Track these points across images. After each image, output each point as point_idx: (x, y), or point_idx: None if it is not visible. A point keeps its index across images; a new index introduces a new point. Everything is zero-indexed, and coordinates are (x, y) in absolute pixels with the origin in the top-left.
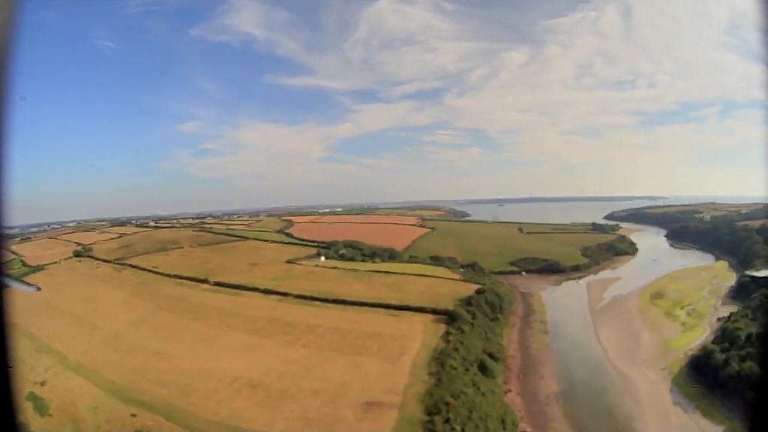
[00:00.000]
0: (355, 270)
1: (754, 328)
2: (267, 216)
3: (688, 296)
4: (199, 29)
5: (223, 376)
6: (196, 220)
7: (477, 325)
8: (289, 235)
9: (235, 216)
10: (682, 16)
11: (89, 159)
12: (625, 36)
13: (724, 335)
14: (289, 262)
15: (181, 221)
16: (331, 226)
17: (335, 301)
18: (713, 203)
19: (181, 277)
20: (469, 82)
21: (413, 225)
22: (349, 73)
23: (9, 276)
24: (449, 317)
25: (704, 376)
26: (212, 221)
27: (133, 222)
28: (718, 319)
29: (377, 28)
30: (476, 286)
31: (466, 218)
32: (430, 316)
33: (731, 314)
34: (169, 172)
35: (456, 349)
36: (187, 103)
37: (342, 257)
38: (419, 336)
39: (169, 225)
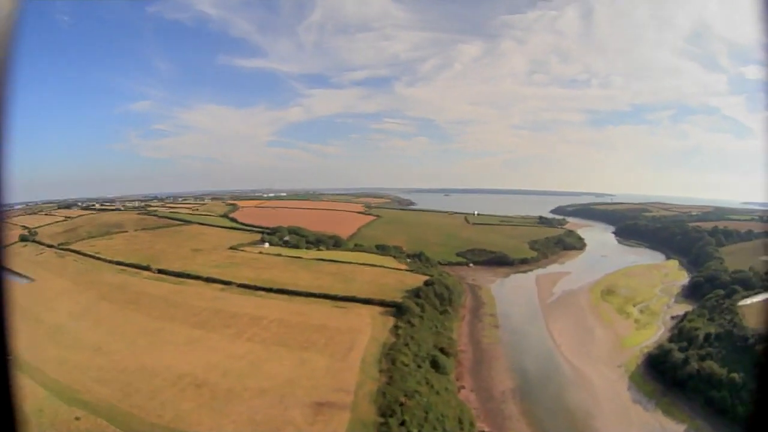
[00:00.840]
0: (300, 257)
1: (713, 329)
2: (212, 199)
3: (641, 293)
4: (157, 5)
5: (167, 374)
6: (142, 203)
7: (426, 318)
8: (234, 220)
9: (180, 199)
10: (644, 21)
11: (38, 137)
12: (583, 36)
13: (681, 334)
14: (232, 248)
15: (127, 204)
16: (276, 211)
17: (280, 291)
18: (662, 203)
19: (123, 264)
20: (421, 72)
21: (358, 212)
22: (301, 56)
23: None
24: (398, 310)
25: (662, 375)
26: (157, 204)
27: (80, 204)
28: (672, 318)
29: (333, 12)
30: (424, 277)
31: (412, 206)
32: (378, 308)
33: (686, 313)
34: (119, 153)
35: (407, 344)
36: (140, 82)
37: (286, 244)
38: (368, 329)
39: (114, 208)
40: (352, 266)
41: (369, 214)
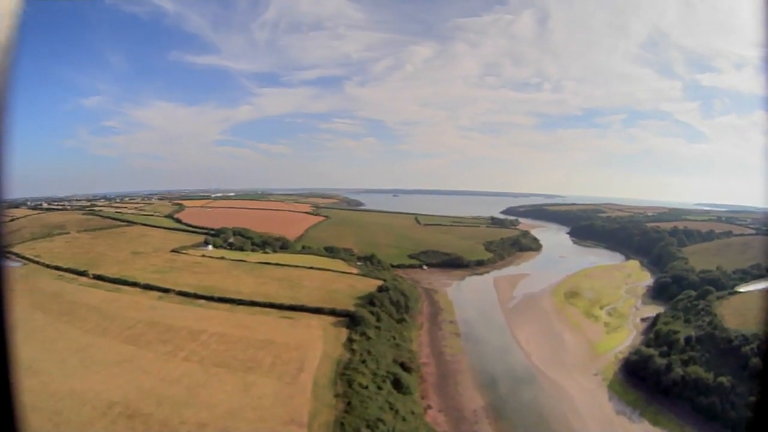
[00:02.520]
0: (244, 261)
1: (692, 331)
2: (159, 199)
3: (606, 295)
4: None
5: (97, 402)
6: (89, 203)
7: (383, 328)
8: (178, 221)
9: (128, 198)
10: (599, 27)
11: None
12: (537, 41)
13: (659, 338)
14: (173, 251)
15: (74, 203)
16: (222, 211)
17: (222, 300)
18: (615, 204)
19: (60, 269)
20: (372, 72)
21: (306, 213)
22: (254, 54)
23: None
24: (351, 320)
25: (644, 382)
26: (104, 204)
27: (28, 203)
28: (642, 320)
29: (288, 9)
30: (376, 282)
31: (361, 207)
32: (329, 318)
33: (658, 315)
34: (70, 150)
35: (363, 361)
36: (92, 77)
37: (231, 246)
38: (319, 344)
39: (61, 207)
40: (299, 270)
41: (317, 215)
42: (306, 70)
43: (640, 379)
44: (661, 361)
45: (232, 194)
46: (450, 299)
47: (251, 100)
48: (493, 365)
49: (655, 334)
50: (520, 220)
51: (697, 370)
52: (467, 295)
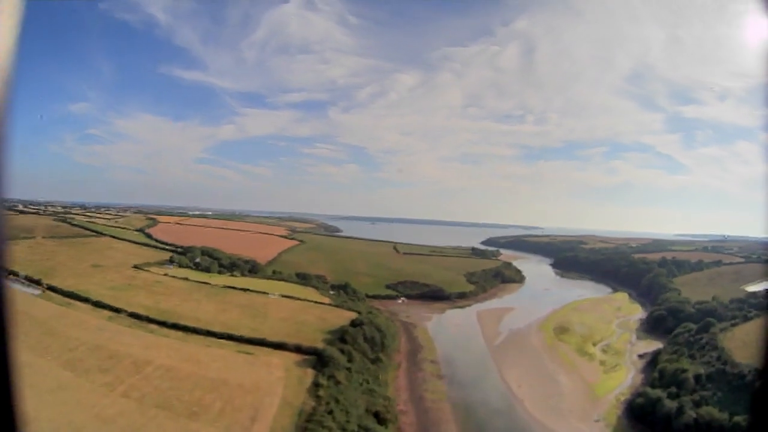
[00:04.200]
0: (208, 283)
1: (700, 368)
2: (135, 212)
3: (598, 330)
4: (108, 3)
5: None
6: (63, 210)
7: (355, 369)
8: (149, 236)
9: (103, 209)
10: (585, 60)
11: None
12: (522, 72)
13: (664, 377)
14: (136, 267)
15: (49, 208)
16: (195, 229)
17: (175, 327)
18: (596, 236)
19: (16, 274)
20: (356, 99)
21: (281, 236)
22: (240, 73)
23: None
24: (318, 359)
25: (652, 427)
26: (78, 212)
27: (3, 204)
28: (640, 356)
29: (277, 31)
30: (349, 314)
31: (339, 233)
32: (294, 356)
33: (658, 352)
34: (54, 155)
35: (330, 412)
36: (80, 82)
37: (197, 266)
38: (278, 388)
39: (35, 211)
40: (266, 297)
41: (292, 239)
42: (291, 93)
43: (647, 424)
44: (671, 404)
45: (210, 213)
46: (430, 335)
47: (235, 119)
48: (482, 413)
49: (659, 373)
50: (501, 251)
51: (710, 411)
52: (449, 331)
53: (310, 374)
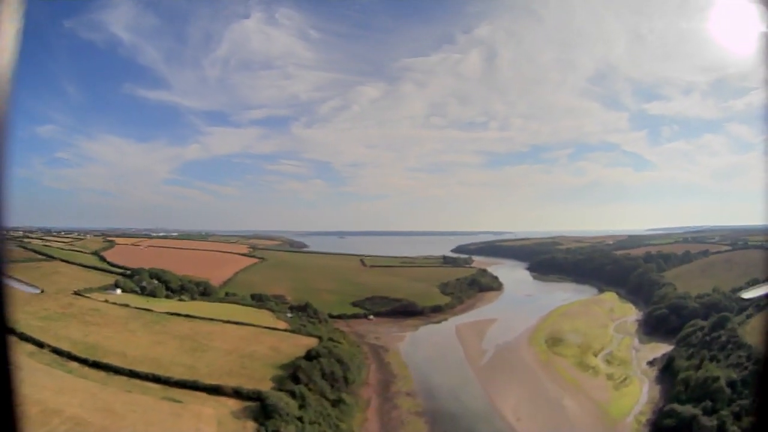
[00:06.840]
0: (150, 310)
1: (732, 373)
2: (95, 236)
3: (595, 338)
4: (73, 21)
5: None
6: (22, 234)
7: (309, 419)
8: (102, 258)
9: (63, 233)
10: (547, 63)
11: None
12: (485, 79)
13: (689, 388)
14: (77, 293)
15: (11, 234)
16: (153, 250)
17: (96, 365)
18: (570, 236)
19: None
20: (319, 113)
21: (242, 254)
22: (204, 91)
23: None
24: (261, 406)
25: None
26: (36, 236)
27: None
28: (649, 364)
29: (239, 47)
30: (308, 341)
31: (303, 249)
32: (231, 403)
33: (671, 356)
34: (21, 179)
35: None
36: (47, 104)
37: (143, 290)
38: None
39: None
40: (212, 325)
41: (252, 257)
42: (254, 110)
43: None
44: (710, 423)
45: (175, 234)
46: (404, 360)
47: (200, 138)
48: None
49: (684, 383)
50: (474, 257)
51: None
52: (426, 352)
53: (249, 429)
